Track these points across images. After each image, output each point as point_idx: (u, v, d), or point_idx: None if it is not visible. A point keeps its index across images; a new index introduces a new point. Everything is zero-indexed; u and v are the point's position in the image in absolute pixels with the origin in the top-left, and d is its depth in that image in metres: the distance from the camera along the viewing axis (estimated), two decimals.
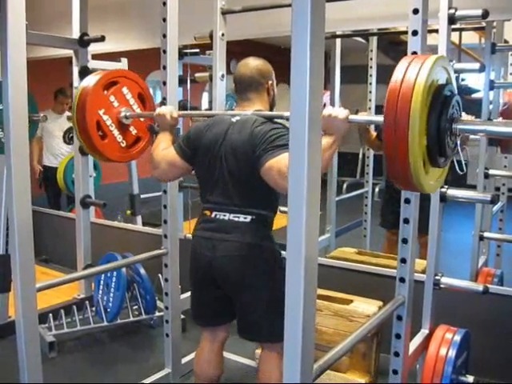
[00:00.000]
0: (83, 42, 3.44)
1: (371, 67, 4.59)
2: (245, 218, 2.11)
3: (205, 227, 2.20)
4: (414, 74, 1.50)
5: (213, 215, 2.16)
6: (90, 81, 2.62)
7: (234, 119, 2.17)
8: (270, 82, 2.25)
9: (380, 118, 1.60)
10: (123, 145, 2.75)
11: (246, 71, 2.22)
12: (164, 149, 2.30)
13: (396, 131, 1.48)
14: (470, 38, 4.61)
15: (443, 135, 1.57)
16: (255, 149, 2.01)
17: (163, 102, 2.61)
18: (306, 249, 1.17)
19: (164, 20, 2.55)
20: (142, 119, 2.80)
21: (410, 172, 1.52)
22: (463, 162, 1.71)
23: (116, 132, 2.69)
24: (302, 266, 1.17)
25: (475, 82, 4.89)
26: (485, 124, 1.70)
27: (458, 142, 1.66)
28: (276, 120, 2.13)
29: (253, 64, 2.23)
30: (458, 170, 1.71)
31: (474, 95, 5.28)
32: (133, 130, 2.78)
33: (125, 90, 2.71)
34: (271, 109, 2.29)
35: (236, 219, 2.11)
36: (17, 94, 1.88)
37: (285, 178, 1.75)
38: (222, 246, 2.12)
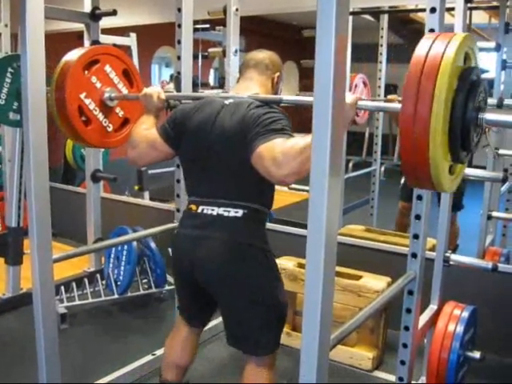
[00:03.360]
0: (95, 15, 3.43)
1: (381, 45, 4.57)
2: (236, 213, 1.86)
3: (188, 224, 1.97)
4: (440, 50, 1.32)
5: (199, 210, 1.92)
6: (68, 61, 2.38)
7: (226, 101, 1.93)
8: (277, 74, 2.08)
9: (396, 105, 1.43)
10: (110, 129, 2.54)
11: (258, 54, 2.09)
12: (146, 129, 2.08)
13: (416, 116, 1.30)
14: (479, 17, 4.59)
15: (468, 125, 1.37)
16: (247, 133, 1.78)
17: (178, 77, 2.60)
18: (327, 225, 1.19)
19: None
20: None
21: (429, 168, 1.33)
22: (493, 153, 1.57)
23: (101, 116, 2.48)
24: (322, 242, 1.20)
25: (486, 62, 4.86)
26: None
27: (487, 135, 1.50)
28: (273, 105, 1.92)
29: (267, 52, 2.11)
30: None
31: (485, 75, 5.26)
32: (119, 112, 2.57)
33: (108, 68, 2.49)
34: None
35: (226, 214, 1.86)
36: (35, 68, 1.86)
37: (279, 165, 1.62)
38: (208, 244, 1.88)
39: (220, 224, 1.87)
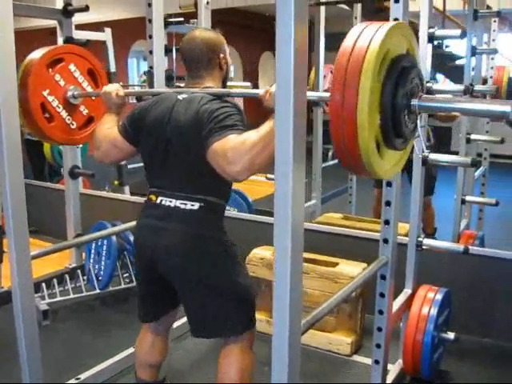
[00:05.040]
0: (67, 12, 3.41)
1: None
2: (192, 206, 1.88)
3: (148, 214, 1.98)
4: (366, 40, 1.31)
5: (158, 200, 1.94)
6: (32, 59, 2.41)
7: (180, 96, 1.95)
8: (221, 56, 2.01)
9: (327, 94, 1.40)
10: (73, 126, 2.57)
11: (193, 47, 1.99)
12: (107, 128, 2.11)
13: (343, 105, 1.29)
14: (456, 4, 4.64)
15: (399, 112, 1.37)
16: (201, 129, 1.80)
17: (150, 72, 2.62)
18: (293, 214, 1.23)
19: None
20: (93, 98, 2.62)
21: (360, 155, 1.33)
22: (423, 143, 1.53)
23: (64, 113, 2.51)
24: (289, 229, 1.23)
25: (460, 48, 4.92)
26: (448, 101, 1.46)
27: (419, 122, 1.49)
28: (226, 98, 1.92)
29: (200, 38, 2.00)
30: (417, 151, 1.53)
31: (459, 61, 5.33)
32: (84, 110, 2.60)
33: (72, 67, 2.54)
34: (224, 84, 2.09)
35: (183, 206, 1.89)
36: (5, 66, 1.87)
37: (230, 162, 1.65)
38: (166, 236, 1.90)
39: (177, 216, 1.90)
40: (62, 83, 2.49)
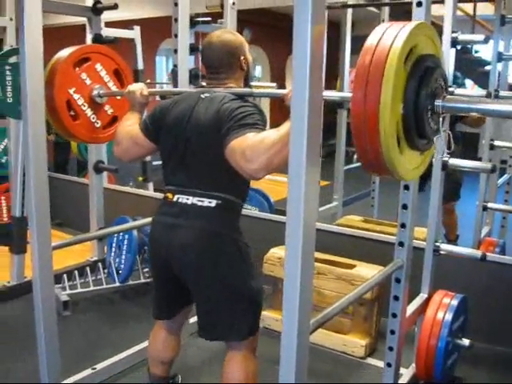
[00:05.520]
0: (96, 9, 3.48)
1: None
2: (209, 203, 1.89)
3: (165, 212, 2.00)
4: (390, 38, 1.32)
5: (174, 198, 1.95)
6: (59, 57, 2.47)
7: (202, 95, 1.96)
8: (241, 58, 2.01)
9: (347, 94, 1.41)
10: (98, 125, 2.61)
11: (213, 51, 2.00)
12: (129, 125, 2.14)
13: (366, 103, 1.30)
14: (487, 8, 4.59)
15: (422, 111, 1.38)
16: (221, 127, 1.81)
17: (174, 70, 2.66)
18: (305, 216, 1.24)
19: None
20: (118, 97, 2.65)
21: (381, 152, 1.33)
22: (445, 145, 1.52)
23: (89, 112, 2.56)
24: (300, 229, 1.25)
25: (489, 54, 4.87)
26: (474, 102, 1.44)
27: (441, 122, 1.48)
28: (247, 98, 1.95)
29: (219, 42, 1.99)
30: (445, 149, 1.53)
31: (488, 67, 5.27)
32: (108, 110, 2.65)
33: (98, 66, 2.59)
34: (246, 83, 2.10)
35: (200, 203, 1.89)
36: (33, 62, 1.93)
37: (248, 160, 1.67)
38: (181, 233, 1.91)
39: (194, 213, 1.90)
40: (88, 82, 2.54)
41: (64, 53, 2.49)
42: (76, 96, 2.50)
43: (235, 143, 1.74)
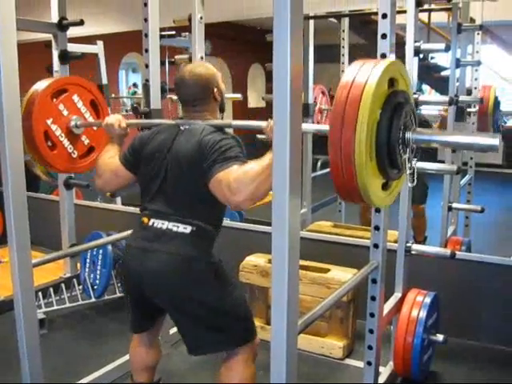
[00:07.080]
0: (62, 25, 3.48)
1: (343, 47, 4.71)
2: (184, 229, 1.92)
3: (139, 236, 2.01)
4: (364, 77, 1.43)
5: (150, 223, 1.97)
6: (38, 88, 2.52)
7: (182, 127, 2.02)
8: (215, 90, 2.05)
9: (325, 127, 1.54)
10: (74, 155, 2.65)
11: (185, 90, 2.04)
12: (109, 158, 2.18)
13: (342, 141, 1.41)
14: (441, 16, 4.76)
15: (394, 145, 1.49)
16: (204, 159, 1.86)
17: (146, 85, 2.70)
18: (290, 223, 1.30)
19: (145, 5, 2.62)
20: (95, 128, 2.71)
21: (356, 182, 1.43)
22: (415, 174, 1.61)
23: (66, 142, 2.60)
24: (286, 237, 1.31)
25: (445, 60, 5.04)
26: (440, 134, 1.62)
27: (409, 154, 1.57)
28: (225, 130, 2.01)
29: (190, 79, 2.02)
30: (408, 183, 1.63)
31: (444, 73, 5.45)
32: (85, 140, 2.70)
33: (75, 97, 2.64)
34: (221, 111, 2.15)
35: (175, 229, 1.92)
36: (9, 79, 1.93)
37: (234, 192, 1.74)
38: (155, 257, 1.92)
39: (168, 238, 1.93)
40: (65, 113, 2.59)
41: (41, 84, 2.53)
42: (54, 127, 2.55)
43: (220, 176, 1.80)
